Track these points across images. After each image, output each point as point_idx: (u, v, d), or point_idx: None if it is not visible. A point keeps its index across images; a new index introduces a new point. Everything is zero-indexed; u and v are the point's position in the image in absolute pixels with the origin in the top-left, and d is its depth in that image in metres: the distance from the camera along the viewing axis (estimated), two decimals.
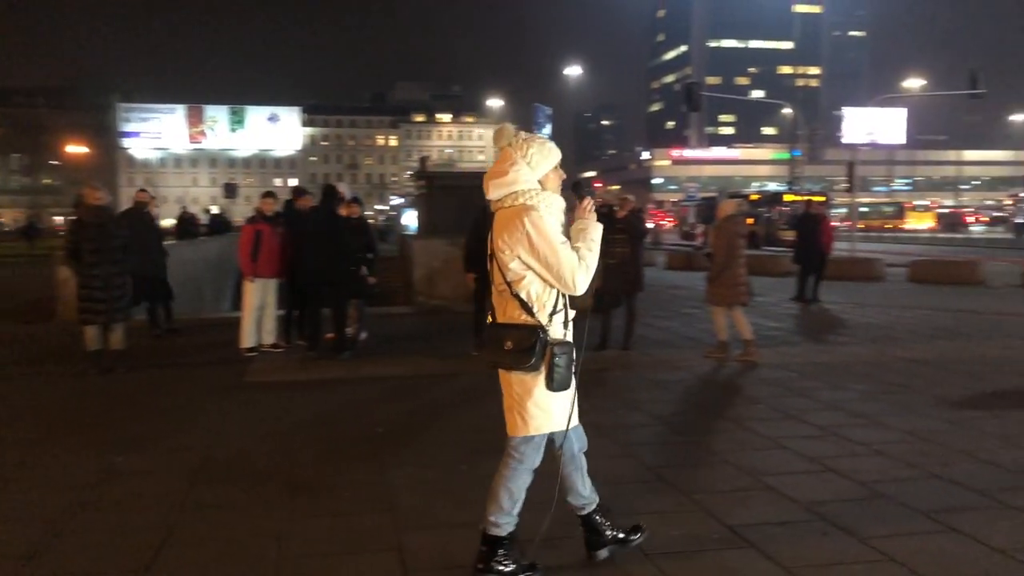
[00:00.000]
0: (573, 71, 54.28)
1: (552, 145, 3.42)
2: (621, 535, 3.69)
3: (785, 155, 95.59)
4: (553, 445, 3.50)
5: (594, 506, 3.66)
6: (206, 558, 3.82)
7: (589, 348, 9.32)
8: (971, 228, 46.92)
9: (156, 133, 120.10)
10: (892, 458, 5.32)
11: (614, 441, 5.77)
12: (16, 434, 6.03)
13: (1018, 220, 45.38)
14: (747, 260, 9.03)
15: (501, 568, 3.44)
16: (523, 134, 3.44)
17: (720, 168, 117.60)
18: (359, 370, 8.19)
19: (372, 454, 5.45)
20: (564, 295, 3.39)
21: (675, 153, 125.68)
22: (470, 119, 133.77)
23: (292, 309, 9.60)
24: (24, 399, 7.22)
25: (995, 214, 65.97)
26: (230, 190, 43.40)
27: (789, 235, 33.02)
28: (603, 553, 3.66)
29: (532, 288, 3.33)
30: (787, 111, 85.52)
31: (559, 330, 3.37)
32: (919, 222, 53.48)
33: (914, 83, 52.65)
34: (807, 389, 7.47)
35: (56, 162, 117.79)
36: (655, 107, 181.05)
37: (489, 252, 3.44)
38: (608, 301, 9.49)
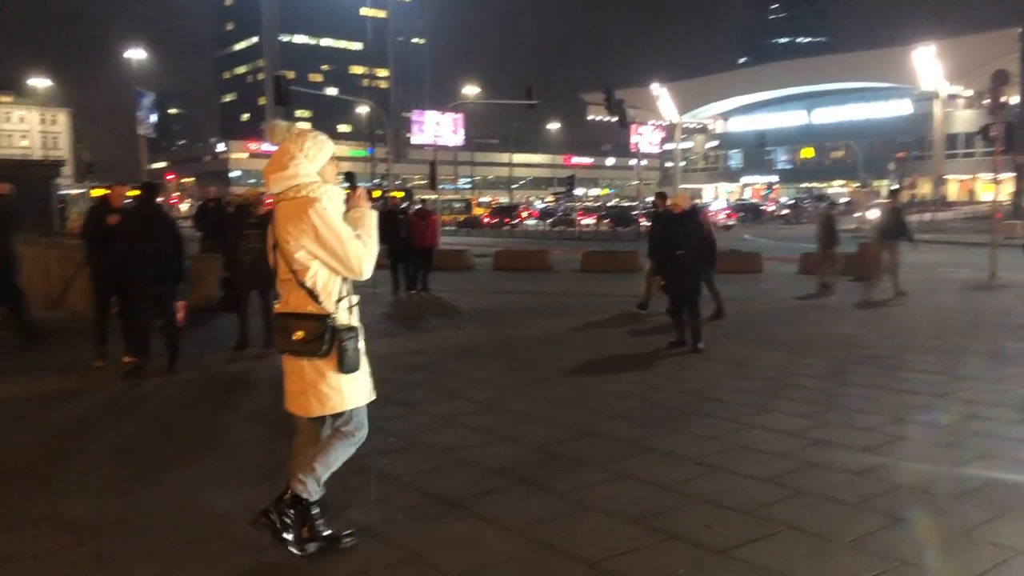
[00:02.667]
0: (135, 54, 49.89)
1: (326, 138, 3.60)
2: (330, 532, 3.72)
3: (362, 152, 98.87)
4: (346, 423, 3.62)
5: (319, 497, 3.67)
6: None
7: (229, 349, 8.96)
8: (525, 221, 53.71)
9: None
10: (550, 423, 6.03)
11: None
12: None
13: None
14: None
15: (288, 531, 3.53)
16: (296, 128, 3.57)
17: None
18: None
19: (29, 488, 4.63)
20: (347, 283, 3.54)
21: (252, 146, 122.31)
22: (7, 99, 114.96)
23: None
24: None
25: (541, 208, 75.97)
26: None
27: None
28: (312, 547, 3.65)
29: (318, 277, 3.46)
30: (363, 109, 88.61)
31: (345, 315, 3.52)
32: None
33: (471, 90, 58.25)
34: (455, 370, 8.04)
35: None
36: (228, 98, 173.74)
37: (272, 243, 3.55)
38: (240, 297, 9.11)
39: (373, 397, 3.69)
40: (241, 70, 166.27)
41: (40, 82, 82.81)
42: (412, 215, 16.82)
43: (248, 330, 9.07)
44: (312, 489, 3.59)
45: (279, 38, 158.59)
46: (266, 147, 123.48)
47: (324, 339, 3.40)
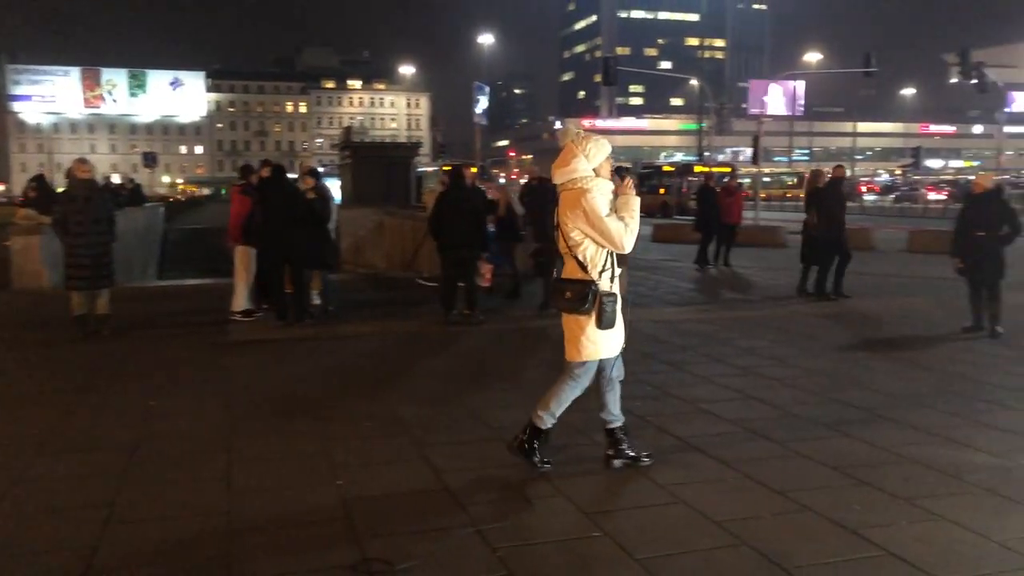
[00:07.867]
0: (486, 39, 54.83)
1: (605, 141, 4.50)
2: (632, 454, 4.73)
3: (693, 126, 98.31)
4: (602, 370, 4.59)
5: (619, 424, 4.70)
6: (276, 471, 4.67)
7: (535, 308, 10.47)
8: (863, 197, 50.36)
9: (49, 96, 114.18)
10: (800, 389, 6.55)
11: None
12: (61, 386, 6.64)
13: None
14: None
15: (535, 454, 4.58)
16: (582, 133, 4.53)
17: (631, 138, 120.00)
18: (334, 330, 8.97)
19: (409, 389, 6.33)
20: (612, 258, 4.48)
21: (587, 123, 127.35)
22: (381, 86, 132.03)
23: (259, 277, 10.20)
24: (38, 360, 7.74)
25: (882, 182, 70.36)
26: (150, 159, 42.91)
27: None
28: (617, 463, 4.70)
29: (588, 252, 4.42)
30: (694, 83, 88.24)
31: (607, 284, 4.47)
32: None
33: (812, 57, 55.39)
34: (727, 339, 8.70)
35: None
36: (567, 76, 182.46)
37: (554, 224, 4.59)
38: (546, 264, 10.50)
39: (619, 357, 4.61)
40: (580, 48, 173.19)
41: (407, 69, 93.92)
42: (721, 190, 17.31)
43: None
44: (547, 420, 4.59)
45: (617, 15, 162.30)
46: (599, 123, 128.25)
47: (588, 299, 4.35)
